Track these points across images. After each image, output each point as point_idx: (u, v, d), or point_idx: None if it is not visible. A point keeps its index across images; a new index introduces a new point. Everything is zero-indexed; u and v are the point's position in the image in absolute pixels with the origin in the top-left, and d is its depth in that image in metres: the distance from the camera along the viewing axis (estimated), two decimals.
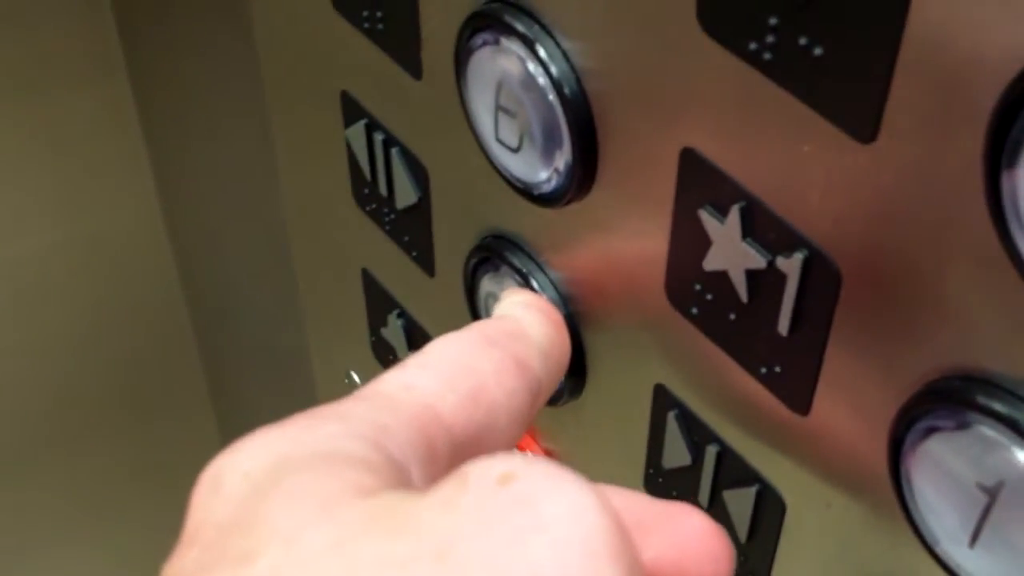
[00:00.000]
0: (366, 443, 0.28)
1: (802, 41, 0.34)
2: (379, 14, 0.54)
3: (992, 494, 0.35)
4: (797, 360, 0.41)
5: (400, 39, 0.53)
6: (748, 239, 0.40)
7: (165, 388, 1.23)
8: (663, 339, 0.48)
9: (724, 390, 0.46)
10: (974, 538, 0.37)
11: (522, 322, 0.37)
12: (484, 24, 0.46)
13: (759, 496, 0.47)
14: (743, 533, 0.49)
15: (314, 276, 0.79)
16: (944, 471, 0.37)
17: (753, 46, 0.36)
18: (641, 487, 0.54)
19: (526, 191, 0.49)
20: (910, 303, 0.36)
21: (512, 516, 0.23)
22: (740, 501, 0.48)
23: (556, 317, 0.38)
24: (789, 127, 0.37)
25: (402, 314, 0.68)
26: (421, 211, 0.60)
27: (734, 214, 0.40)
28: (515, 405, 0.33)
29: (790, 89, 0.36)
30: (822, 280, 0.38)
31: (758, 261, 0.40)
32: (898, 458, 0.38)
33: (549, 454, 0.61)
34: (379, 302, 0.70)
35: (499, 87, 0.47)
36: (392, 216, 0.62)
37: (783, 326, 0.40)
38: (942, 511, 0.38)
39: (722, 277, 0.42)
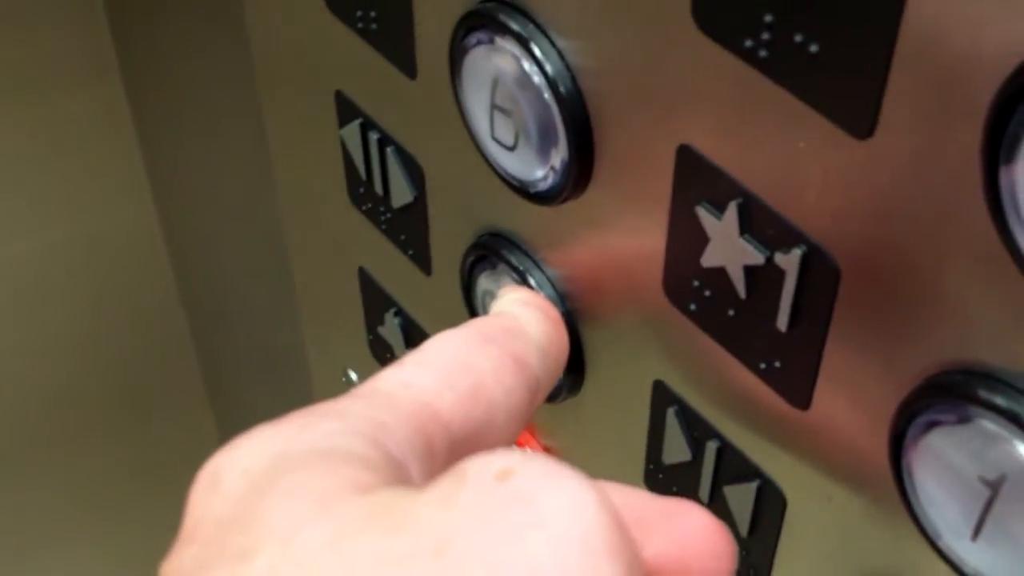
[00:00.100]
0: (364, 440, 0.28)
1: (798, 38, 0.34)
2: (373, 14, 0.54)
3: (994, 488, 0.35)
4: (797, 355, 0.41)
5: (394, 39, 0.53)
6: (746, 235, 0.40)
7: (162, 387, 1.23)
8: (662, 335, 0.48)
9: (724, 386, 0.46)
10: (976, 532, 0.37)
11: (520, 319, 0.37)
12: (478, 23, 0.46)
13: (760, 491, 0.47)
14: (744, 528, 0.49)
15: (311, 275, 0.79)
16: (946, 465, 0.37)
17: (749, 43, 0.36)
18: (641, 483, 0.54)
19: (522, 189, 0.49)
20: (909, 298, 0.36)
21: (510, 512, 0.24)
22: (741, 496, 0.48)
23: (554, 314, 0.38)
24: (785, 124, 0.37)
25: (399, 312, 0.68)
26: (417, 210, 0.59)
27: (731, 210, 0.40)
28: (513, 402, 0.33)
29: (786, 86, 0.36)
30: (821, 276, 0.38)
31: (756, 257, 0.40)
32: (899, 452, 0.38)
33: (548, 451, 0.61)
34: (376, 301, 0.70)
35: (494, 86, 0.47)
36: (388, 215, 0.62)
37: (782, 322, 0.40)
38: (944, 505, 0.38)
39: (720, 273, 0.42)
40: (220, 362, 1.19)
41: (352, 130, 0.61)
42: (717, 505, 0.50)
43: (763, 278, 0.40)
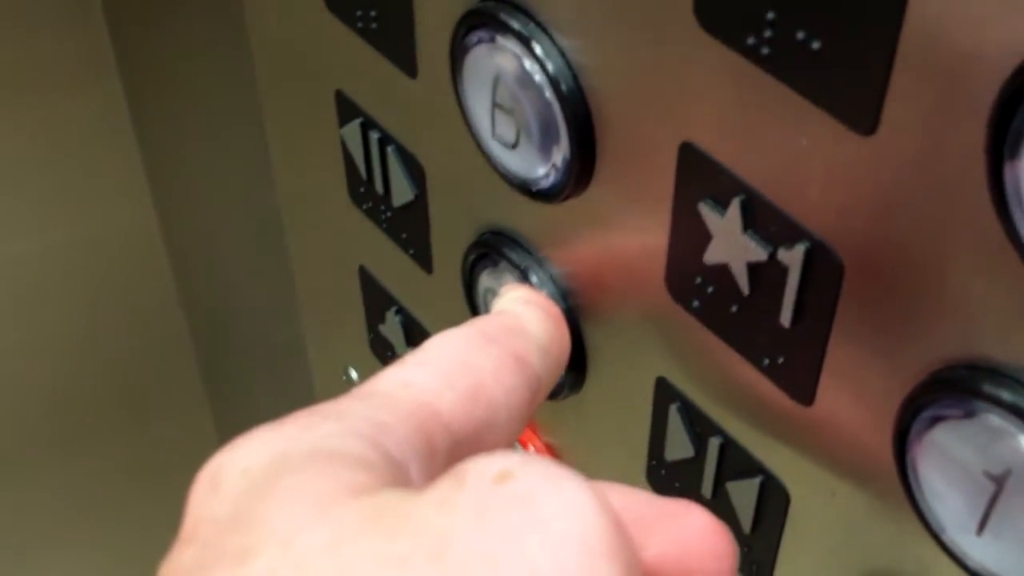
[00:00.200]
0: (364, 441, 0.28)
1: (800, 35, 0.34)
2: (373, 13, 0.54)
3: (999, 482, 0.35)
4: (800, 351, 0.41)
5: (395, 38, 0.53)
6: (749, 232, 0.40)
7: (162, 387, 1.23)
8: (664, 332, 0.48)
9: (726, 382, 0.46)
10: (981, 526, 0.37)
11: (521, 318, 0.37)
12: (479, 22, 0.46)
13: (763, 487, 0.47)
14: (747, 525, 0.49)
15: (311, 275, 0.79)
16: (950, 460, 0.37)
17: (751, 41, 0.36)
18: (643, 480, 0.54)
19: (524, 187, 0.49)
20: (913, 293, 0.36)
21: (509, 514, 0.24)
22: (744, 493, 0.48)
23: (555, 312, 0.38)
24: (788, 120, 0.37)
25: (400, 311, 0.68)
26: (418, 208, 0.60)
27: (734, 207, 0.40)
28: (514, 402, 0.33)
29: (789, 83, 0.36)
30: (824, 271, 0.38)
31: (759, 254, 0.40)
32: (904, 447, 0.38)
33: (550, 448, 0.61)
34: (377, 299, 0.70)
35: (495, 84, 0.47)
36: (389, 214, 0.62)
37: (785, 318, 0.41)
38: (948, 499, 0.38)
39: (723, 270, 0.42)
40: (220, 362, 1.19)
41: (352, 129, 0.61)
42: (720, 501, 0.50)
43: (766, 274, 0.40)
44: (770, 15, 0.35)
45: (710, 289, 0.43)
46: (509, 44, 0.45)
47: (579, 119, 0.44)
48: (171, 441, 1.24)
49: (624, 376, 0.52)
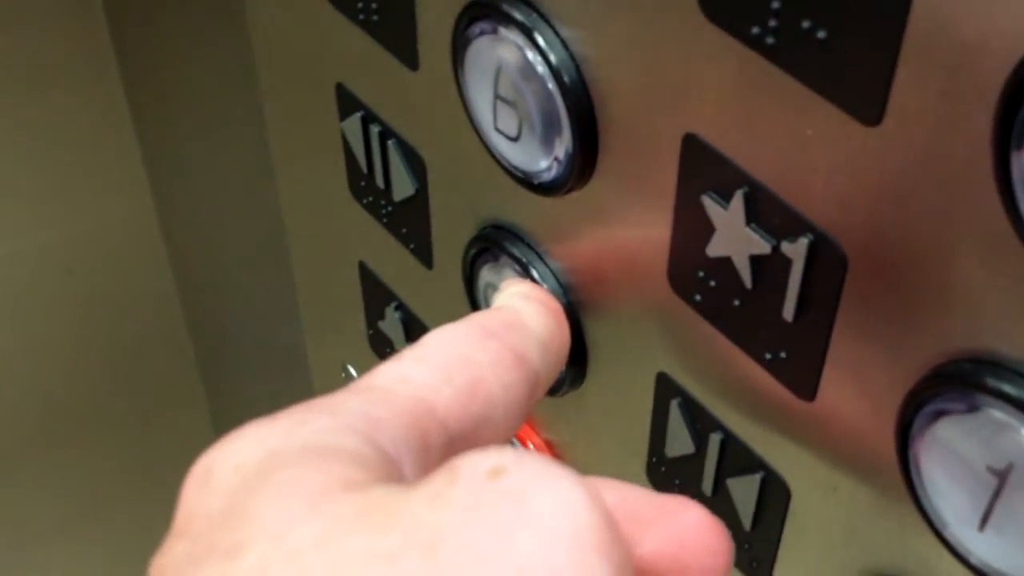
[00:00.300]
0: (358, 437, 0.28)
1: (805, 24, 0.34)
2: (374, 5, 0.53)
3: (1002, 477, 0.35)
4: (803, 345, 0.41)
5: (396, 30, 0.53)
6: (752, 224, 0.40)
7: (160, 385, 1.23)
8: (666, 327, 0.48)
9: (728, 377, 0.46)
10: (984, 521, 0.37)
11: (521, 313, 0.37)
12: (481, 13, 0.46)
13: (763, 483, 0.47)
14: (747, 521, 0.49)
15: (311, 270, 0.79)
16: (953, 454, 0.36)
17: (755, 30, 0.36)
18: (643, 476, 0.54)
19: (526, 180, 0.49)
20: (917, 286, 0.36)
21: (501, 510, 0.23)
22: (744, 489, 0.48)
23: (556, 307, 0.38)
24: (793, 111, 0.36)
25: (400, 307, 0.68)
26: (419, 203, 0.59)
27: (738, 200, 0.40)
28: (512, 397, 0.33)
29: (794, 73, 0.35)
30: (828, 264, 0.38)
31: (762, 246, 0.40)
32: (906, 442, 0.38)
33: (550, 445, 0.61)
34: (376, 295, 0.69)
35: (497, 76, 0.47)
36: (389, 208, 0.62)
37: (788, 311, 0.40)
38: (951, 495, 0.37)
39: (726, 263, 0.42)
40: (218, 359, 1.19)
41: (353, 123, 0.61)
42: (720, 498, 0.49)
43: (769, 268, 0.40)
44: (775, 4, 0.35)
45: (712, 283, 0.43)
46: (511, 35, 0.45)
47: (582, 111, 0.44)
48: (169, 438, 1.24)
49: (625, 372, 0.52)
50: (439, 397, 0.31)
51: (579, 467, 0.59)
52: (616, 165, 0.45)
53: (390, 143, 0.59)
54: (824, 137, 0.36)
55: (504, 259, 0.54)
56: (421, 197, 0.59)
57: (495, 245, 0.54)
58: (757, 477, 0.47)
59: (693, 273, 0.44)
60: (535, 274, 0.52)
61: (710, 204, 0.41)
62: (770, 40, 0.35)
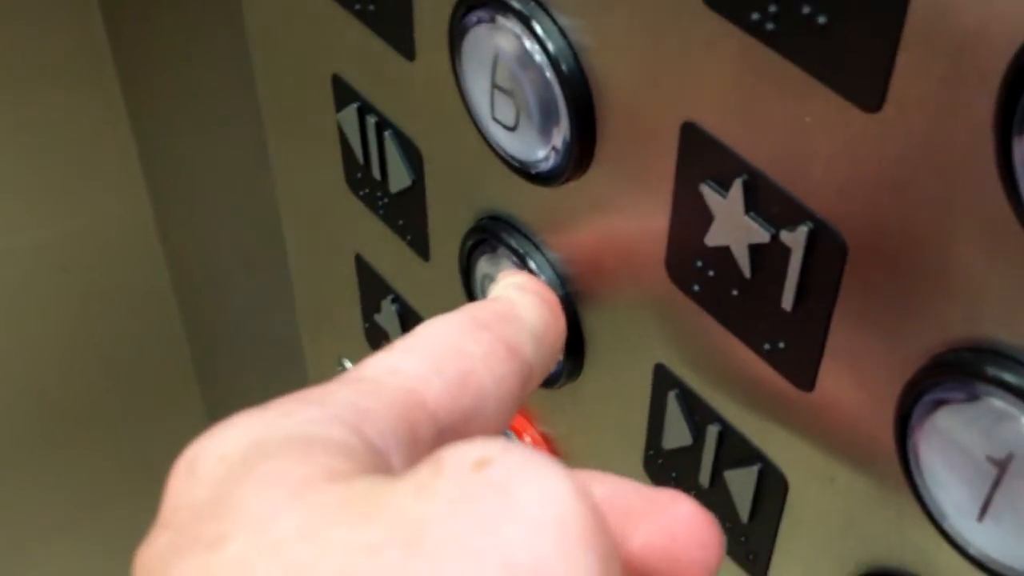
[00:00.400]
0: (345, 428, 0.28)
1: (805, 10, 0.34)
2: None
3: (1002, 466, 0.35)
4: (801, 335, 0.41)
5: (392, 20, 0.53)
6: (751, 213, 0.40)
7: (157, 381, 1.23)
8: (664, 317, 0.47)
9: (726, 368, 0.46)
10: (983, 512, 0.36)
11: (515, 304, 0.37)
12: (478, 2, 0.46)
13: (761, 475, 0.47)
14: (745, 513, 0.49)
15: (307, 263, 0.79)
16: (953, 444, 0.36)
17: (755, 16, 0.36)
18: (641, 469, 0.54)
19: (523, 170, 0.48)
20: (918, 274, 0.36)
21: (486, 501, 0.23)
22: (742, 481, 0.48)
23: (551, 299, 0.38)
24: (792, 98, 0.36)
25: (396, 299, 0.68)
26: (415, 194, 0.59)
27: (736, 188, 0.40)
28: (504, 390, 0.33)
29: (793, 59, 0.35)
30: (827, 253, 0.38)
31: (761, 235, 0.39)
32: (905, 432, 0.38)
33: (546, 438, 0.61)
34: (373, 288, 0.69)
35: (494, 65, 0.46)
36: (386, 200, 0.62)
37: (787, 301, 0.40)
38: (950, 485, 0.37)
39: (724, 253, 0.42)
40: (214, 354, 1.19)
41: (349, 114, 0.60)
42: (718, 490, 0.49)
43: (768, 256, 0.40)
44: None
45: (711, 272, 0.43)
46: (509, 24, 0.45)
47: (580, 100, 0.44)
48: (165, 434, 1.24)
49: (622, 363, 0.52)
50: (429, 389, 0.31)
51: (576, 460, 0.59)
52: (614, 154, 0.45)
53: (386, 134, 0.58)
54: (824, 124, 0.36)
55: (501, 250, 0.53)
56: (418, 188, 0.59)
57: (492, 236, 0.53)
58: (755, 469, 0.47)
59: (691, 263, 0.44)
60: (532, 265, 0.52)
61: (709, 193, 0.41)
62: (770, 26, 0.35)
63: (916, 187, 0.34)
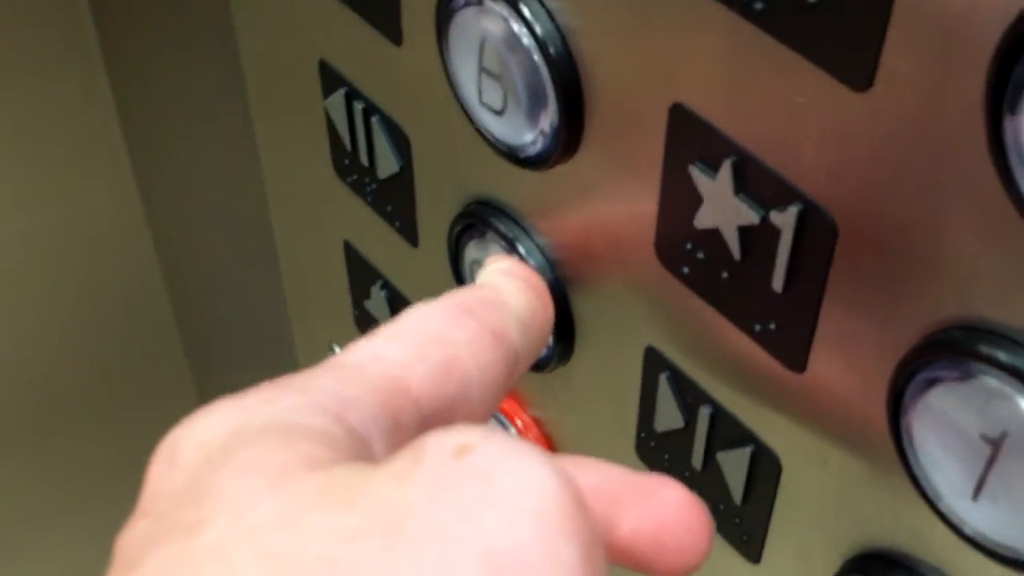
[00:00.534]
0: (326, 415, 0.28)
1: None
2: None
3: (996, 445, 0.35)
4: (792, 316, 0.41)
5: (379, 5, 0.53)
6: (740, 194, 0.39)
7: (148, 371, 1.23)
8: (654, 300, 0.47)
9: (717, 350, 0.46)
10: (977, 491, 0.36)
11: (501, 291, 0.36)
12: None
13: (754, 457, 0.47)
14: (738, 495, 0.49)
15: (295, 251, 0.79)
16: (946, 423, 0.36)
17: None
18: (633, 452, 0.54)
19: (511, 154, 0.48)
20: (909, 254, 0.36)
21: (466, 488, 0.23)
22: (735, 462, 0.48)
23: (539, 284, 0.38)
24: (781, 78, 0.36)
25: (386, 286, 0.68)
26: (404, 180, 0.59)
27: (726, 169, 0.39)
28: (489, 376, 0.33)
29: (782, 39, 0.35)
30: (818, 234, 0.38)
31: (751, 217, 0.39)
32: (898, 412, 0.38)
33: (538, 422, 0.61)
34: (362, 274, 0.69)
35: (482, 49, 0.46)
36: (374, 186, 0.62)
37: (778, 282, 0.40)
38: (944, 464, 0.37)
39: (714, 235, 0.41)
40: (205, 343, 1.19)
41: (337, 100, 0.60)
42: (710, 472, 0.49)
43: (758, 238, 0.40)
44: None
45: (700, 255, 0.43)
46: (496, 6, 0.44)
47: (567, 82, 0.44)
48: (157, 425, 1.23)
49: (613, 346, 0.52)
50: (413, 375, 0.31)
51: (568, 443, 0.59)
52: (602, 137, 0.45)
53: (374, 120, 0.58)
54: (813, 104, 0.36)
55: (490, 235, 0.53)
56: (406, 174, 0.58)
57: (481, 221, 0.53)
58: (747, 450, 0.47)
59: (681, 245, 0.43)
60: (521, 250, 0.51)
61: (698, 175, 0.41)
62: (758, 5, 0.35)
63: (907, 166, 0.34)
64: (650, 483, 0.32)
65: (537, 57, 0.44)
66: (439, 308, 0.34)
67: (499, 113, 0.47)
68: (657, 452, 0.52)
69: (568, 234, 0.50)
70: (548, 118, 0.45)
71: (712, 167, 0.40)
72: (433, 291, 0.60)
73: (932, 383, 0.36)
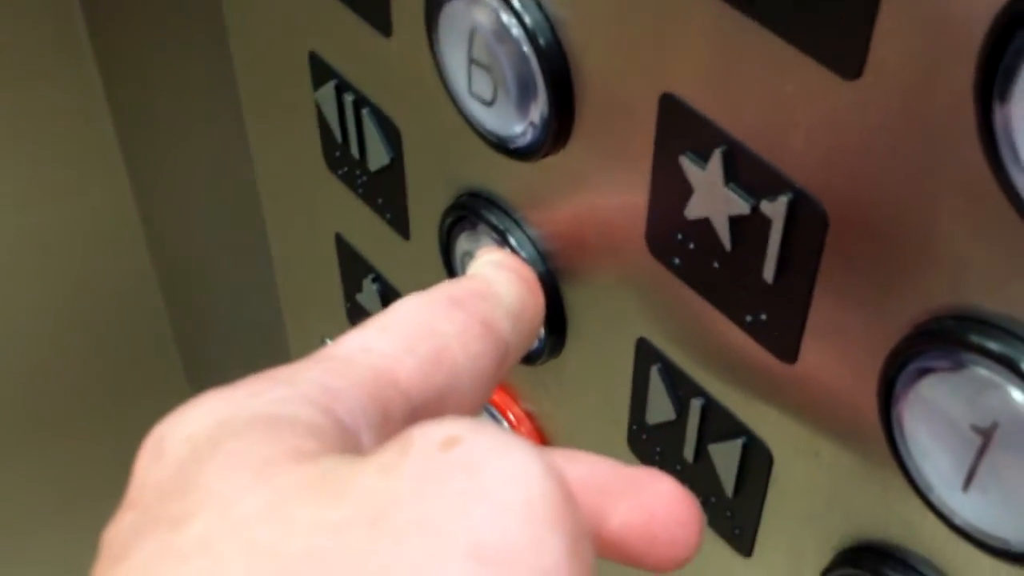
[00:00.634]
0: (313, 407, 0.28)
1: None
2: None
3: (986, 435, 0.35)
4: (783, 307, 0.41)
5: None
6: (731, 184, 0.39)
7: (140, 366, 1.23)
8: (645, 292, 0.47)
9: (708, 341, 0.46)
10: (968, 482, 0.36)
11: (491, 282, 0.36)
12: None
13: (745, 449, 0.47)
14: (730, 487, 0.48)
15: (287, 245, 0.79)
16: (937, 413, 0.36)
17: None
18: (625, 445, 0.54)
19: (501, 146, 0.48)
20: (899, 243, 0.35)
21: (453, 481, 0.23)
22: (726, 454, 0.48)
23: (529, 276, 0.38)
24: (771, 67, 0.36)
25: (377, 278, 0.67)
26: (394, 172, 0.59)
27: (716, 159, 0.39)
28: (479, 367, 0.33)
29: (771, 27, 0.35)
30: (808, 223, 0.38)
31: (741, 206, 0.39)
32: (889, 402, 0.38)
33: (529, 416, 0.61)
34: (354, 267, 0.69)
35: (471, 39, 0.46)
36: (365, 179, 0.61)
37: (768, 273, 0.40)
38: (935, 455, 0.37)
39: (704, 225, 0.41)
40: (197, 338, 1.19)
41: (327, 92, 0.60)
42: (702, 464, 0.49)
43: (749, 228, 0.40)
44: None
45: (691, 245, 0.43)
46: None
47: (557, 73, 0.44)
48: (150, 420, 1.23)
49: (604, 338, 0.51)
50: (401, 367, 0.31)
51: (560, 436, 0.58)
52: (592, 128, 0.44)
53: (364, 112, 0.58)
54: (803, 93, 0.35)
55: (481, 227, 0.53)
56: (396, 166, 0.58)
57: (472, 213, 0.53)
58: (739, 442, 0.47)
59: (672, 236, 0.43)
60: (513, 241, 0.51)
61: (688, 165, 0.41)
62: None
63: (897, 155, 0.34)
64: (640, 476, 0.32)
65: (527, 48, 0.44)
66: (429, 299, 0.34)
67: (489, 104, 0.47)
68: (649, 444, 0.52)
69: (559, 225, 0.50)
70: (538, 109, 0.45)
71: (702, 157, 0.40)
72: (425, 283, 0.60)
73: (923, 373, 0.36)
